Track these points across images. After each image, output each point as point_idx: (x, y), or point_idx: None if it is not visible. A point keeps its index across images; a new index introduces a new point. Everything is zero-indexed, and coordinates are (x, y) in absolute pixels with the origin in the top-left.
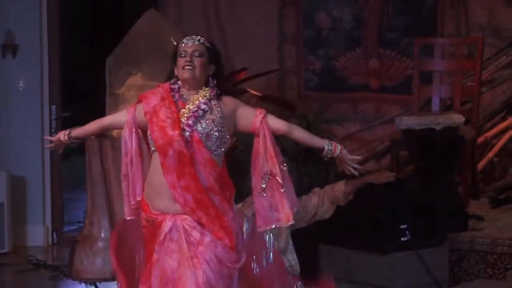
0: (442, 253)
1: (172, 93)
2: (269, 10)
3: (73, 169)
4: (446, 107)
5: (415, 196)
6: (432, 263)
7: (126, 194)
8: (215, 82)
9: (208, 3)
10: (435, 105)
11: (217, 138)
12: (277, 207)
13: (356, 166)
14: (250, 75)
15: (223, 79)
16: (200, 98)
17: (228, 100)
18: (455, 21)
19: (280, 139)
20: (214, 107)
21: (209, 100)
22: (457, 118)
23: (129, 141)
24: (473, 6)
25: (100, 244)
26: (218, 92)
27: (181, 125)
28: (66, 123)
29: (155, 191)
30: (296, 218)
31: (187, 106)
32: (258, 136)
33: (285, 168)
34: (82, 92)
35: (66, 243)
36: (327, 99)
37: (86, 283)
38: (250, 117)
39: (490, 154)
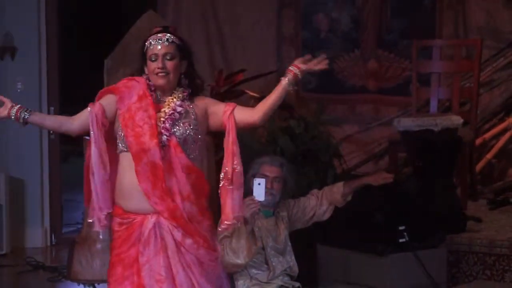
0: (440, 255)
1: (149, 92)
2: (268, 12)
3: (72, 171)
4: (444, 109)
5: (413, 198)
6: (430, 264)
7: (95, 203)
8: (187, 81)
9: (206, 5)
10: (433, 106)
11: (194, 141)
12: (223, 206)
13: (322, 59)
14: (248, 77)
15: (195, 75)
16: (175, 99)
17: (198, 101)
18: (453, 23)
19: (278, 142)
20: (188, 108)
21: (183, 101)
22: (456, 120)
23: (94, 146)
24: (472, 8)
25: (99, 245)
26: (191, 91)
27: (158, 128)
28: None
29: (125, 191)
30: (294, 219)
31: (162, 109)
32: (228, 133)
33: (238, 169)
34: (80, 94)
35: (65, 245)
36: (326, 100)
37: (84, 284)
38: (220, 114)
39: (489, 156)
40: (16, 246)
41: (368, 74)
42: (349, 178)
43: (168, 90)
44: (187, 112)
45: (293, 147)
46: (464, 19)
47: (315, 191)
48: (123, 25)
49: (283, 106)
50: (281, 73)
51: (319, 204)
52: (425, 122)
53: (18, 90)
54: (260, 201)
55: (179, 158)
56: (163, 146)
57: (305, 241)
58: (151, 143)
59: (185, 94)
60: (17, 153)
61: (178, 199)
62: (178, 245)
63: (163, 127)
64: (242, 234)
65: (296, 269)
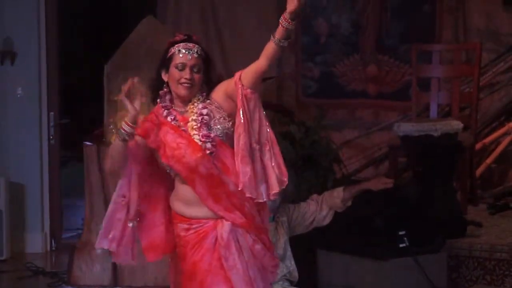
0: (441, 260)
1: (166, 112)
2: (267, 16)
3: (72, 176)
4: (444, 114)
5: (413, 203)
6: (431, 269)
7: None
8: (207, 90)
9: (206, 10)
10: (433, 111)
11: (233, 131)
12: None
13: None
14: None
15: (214, 86)
16: (196, 104)
17: (214, 93)
18: (453, 27)
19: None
20: (211, 106)
21: (204, 102)
22: (455, 124)
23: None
24: (471, 12)
25: (99, 251)
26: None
27: (196, 139)
28: (64, 130)
29: (185, 202)
30: (294, 224)
31: (190, 119)
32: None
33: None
34: (80, 99)
35: (65, 250)
36: (326, 105)
37: None
38: (236, 89)
39: (489, 160)
40: (16, 251)
41: (368, 78)
42: (349, 183)
43: (187, 100)
44: (212, 110)
45: (293, 152)
46: (464, 23)
47: (315, 196)
48: (124, 30)
49: (283, 111)
50: (281, 78)
51: (319, 209)
52: (425, 127)
53: (18, 95)
54: None
55: (228, 152)
56: (211, 153)
57: (305, 246)
58: (197, 156)
59: (203, 95)
60: (17, 158)
61: (238, 199)
62: (250, 249)
63: (202, 135)
64: None
65: (296, 274)
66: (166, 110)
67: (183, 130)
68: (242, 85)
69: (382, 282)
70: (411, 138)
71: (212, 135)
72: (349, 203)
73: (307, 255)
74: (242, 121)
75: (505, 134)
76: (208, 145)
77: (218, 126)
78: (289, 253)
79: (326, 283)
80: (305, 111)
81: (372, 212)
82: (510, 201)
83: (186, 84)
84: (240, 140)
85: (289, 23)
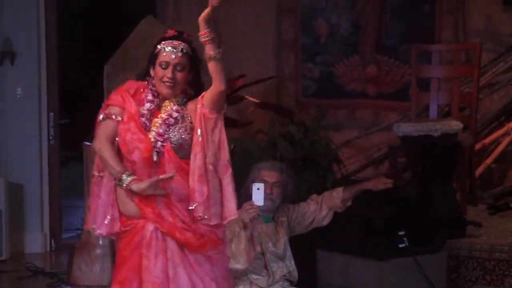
0: (440, 260)
1: (150, 97)
2: (267, 17)
3: (72, 176)
4: (444, 114)
5: (413, 203)
6: (430, 269)
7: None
8: (192, 92)
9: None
10: (433, 111)
11: (190, 145)
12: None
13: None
14: (248, 82)
15: (201, 86)
16: (171, 104)
17: (190, 104)
18: (452, 27)
19: (278, 147)
20: (184, 113)
21: (180, 106)
22: (455, 125)
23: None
24: (471, 12)
25: (98, 251)
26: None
27: (151, 135)
28: (64, 130)
29: (123, 198)
30: (294, 224)
31: (159, 115)
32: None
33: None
34: (80, 100)
35: (64, 250)
36: (325, 105)
37: None
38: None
39: (488, 160)
40: (15, 251)
41: (368, 79)
42: (349, 183)
43: (170, 98)
44: (183, 117)
45: (293, 153)
46: (464, 23)
47: (314, 196)
48: (123, 30)
49: (283, 111)
50: (281, 78)
51: (319, 209)
52: (424, 127)
53: (18, 96)
54: (259, 206)
55: (173, 163)
56: (158, 153)
57: (305, 246)
58: (143, 157)
59: (184, 100)
60: (17, 159)
61: (174, 201)
62: (181, 246)
63: (156, 132)
64: (242, 239)
65: (295, 274)
66: (150, 95)
67: (145, 123)
68: (202, 104)
69: (382, 282)
70: (410, 139)
71: (165, 136)
72: (349, 203)
73: (307, 255)
74: (199, 139)
75: (505, 134)
76: (158, 144)
77: (176, 133)
78: (289, 253)
79: (326, 283)
80: (305, 111)
81: (372, 212)
82: (510, 201)
83: (168, 83)
84: (196, 158)
85: (205, 34)
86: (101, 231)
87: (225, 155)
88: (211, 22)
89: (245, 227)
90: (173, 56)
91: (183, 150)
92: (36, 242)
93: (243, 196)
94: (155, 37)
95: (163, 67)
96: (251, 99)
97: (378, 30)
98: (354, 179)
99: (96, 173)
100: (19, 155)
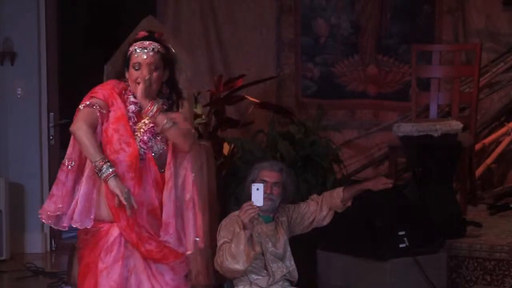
0: (440, 260)
1: (132, 100)
2: (267, 17)
3: None
4: (444, 114)
5: (413, 203)
6: (430, 269)
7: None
8: (168, 90)
9: (206, 10)
10: (433, 111)
11: (164, 158)
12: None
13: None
14: (248, 82)
15: (177, 84)
16: (154, 110)
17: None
18: (452, 27)
19: (278, 147)
20: None
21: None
22: (455, 125)
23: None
24: (471, 12)
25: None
26: (170, 103)
27: (137, 139)
28: (64, 130)
29: (100, 197)
30: (294, 224)
31: (143, 121)
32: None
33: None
34: (80, 100)
35: (65, 250)
36: (325, 105)
37: None
38: None
39: (488, 161)
40: (15, 251)
41: (368, 79)
42: (349, 183)
43: (148, 99)
44: None
45: (293, 153)
46: (464, 24)
47: (314, 196)
48: (123, 30)
49: (283, 111)
50: (281, 78)
51: (319, 209)
52: (424, 127)
53: (18, 96)
54: (258, 207)
55: (152, 172)
56: (141, 160)
57: (305, 246)
58: (130, 160)
59: (164, 105)
60: (17, 159)
61: (144, 211)
62: (142, 259)
63: (141, 139)
64: (241, 239)
65: (295, 274)
66: (132, 97)
67: (132, 127)
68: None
69: (382, 282)
70: (411, 139)
71: (149, 144)
72: (349, 203)
73: (307, 255)
74: (171, 174)
75: (505, 134)
76: (142, 151)
77: (158, 143)
78: (289, 253)
79: (326, 283)
80: (305, 111)
81: (372, 212)
82: (510, 202)
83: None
84: (171, 193)
85: (149, 108)
86: (82, 223)
87: (189, 191)
88: (151, 93)
89: (244, 227)
90: (145, 56)
91: (161, 160)
92: (36, 242)
93: (242, 196)
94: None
95: (136, 68)
96: (251, 99)
97: (378, 30)
98: (354, 179)
99: (66, 162)
100: (19, 155)
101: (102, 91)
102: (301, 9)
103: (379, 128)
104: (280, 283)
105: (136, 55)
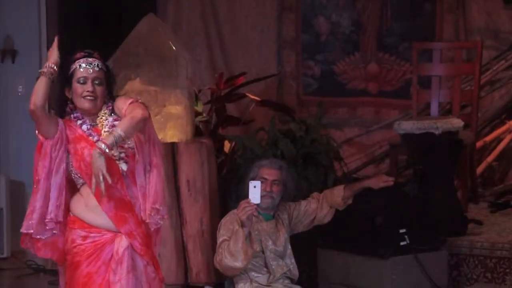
0: (441, 258)
1: (80, 122)
2: (268, 15)
3: None
4: (445, 112)
5: (414, 201)
6: (431, 267)
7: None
8: (111, 101)
9: (207, 8)
10: (434, 109)
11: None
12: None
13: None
14: (248, 80)
15: (114, 98)
16: (105, 117)
17: (117, 110)
18: (453, 25)
19: (279, 145)
20: (119, 119)
21: (113, 115)
22: (456, 123)
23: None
24: (472, 10)
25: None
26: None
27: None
28: None
29: (90, 209)
30: (295, 222)
31: (103, 131)
32: None
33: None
34: None
35: None
36: (326, 103)
37: None
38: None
39: (489, 159)
40: (16, 249)
41: (369, 77)
42: (350, 181)
43: (93, 114)
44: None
45: (294, 150)
46: (465, 22)
47: (315, 194)
48: (124, 28)
49: (284, 109)
50: (281, 76)
51: (320, 207)
52: (425, 125)
53: (19, 93)
54: (256, 204)
55: (136, 169)
56: (126, 163)
57: (306, 244)
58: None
59: (110, 108)
60: (18, 156)
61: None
62: (144, 271)
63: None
64: (240, 237)
65: (296, 272)
66: (79, 120)
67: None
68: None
69: (383, 280)
70: (412, 136)
71: (125, 146)
72: (350, 201)
73: (308, 253)
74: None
75: (506, 132)
76: (123, 154)
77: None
78: (289, 251)
79: (327, 281)
80: (306, 109)
81: (373, 210)
82: (511, 199)
83: (89, 97)
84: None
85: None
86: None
87: (155, 154)
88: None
89: (242, 225)
90: (91, 71)
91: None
92: None
93: (243, 194)
94: (155, 35)
95: (81, 82)
96: (252, 97)
97: (379, 28)
98: (355, 177)
99: (34, 185)
100: (20, 152)
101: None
102: (301, 6)
103: (380, 126)
104: (281, 280)
105: (81, 69)
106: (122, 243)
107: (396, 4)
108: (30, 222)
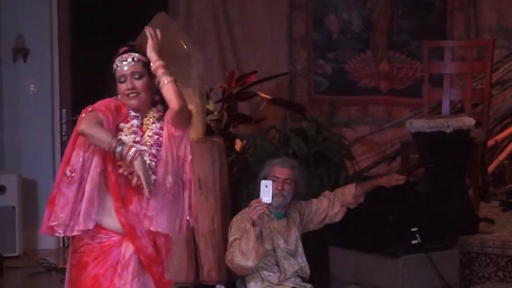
0: (453, 256)
1: (133, 115)
2: (279, 13)
3: None
4: (456, 110)
5: (425, 199)
6: (443, 266)
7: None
8: (159, 97)
9: (218, 7)
10: (445, 108)
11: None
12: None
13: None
14: (260, 78)
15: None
16: (152, 120)
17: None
18: (464, 23)
19: (291, 143)
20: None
21: (160, 122)
22: (468, 121)
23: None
24: (483, 8)
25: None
26: (164, 109)
27: (145, 154)
28: None
29: (106, 210)
30: (306, 221)
31: (146, 134)
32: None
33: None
34: (92, 96)
35: None
36: (337, 102)
37: None
38: None
39: (501, 157)
40: (28, 248)
41: (380, 75)
42: (361, 179)
43: (142, 111)
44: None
45: (305, 149)
46: (476, 19)
47: (327, 192)
48: (135, 26)
49: (295, 108)
50: (293, 74)
51: (331, 205)
52: (437, 124)
53: (31, 92)
54: (266, 204)
55: (167, 181)
56: (153, 173)
57: (317, 242)
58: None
59: (160, 114)
60: (30, 155)
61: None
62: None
63: (150, 153)
64: (251, 236)
65: (307, 270)
66: (133, 112)
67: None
68: (168, 121)
69: (394, 278)
70: (423, 135)
71: (158, 157)
72: (361, 200)
73: (319, 252)
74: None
75: None
76: (153, 164)
77: (164, 153)
78: (300, 249)
79: (338, 280)
80: (317, 107)
81: (384, 208)
82: None
83: (131, 94)
84: (167, 176)
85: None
86: (85, 225)
87: (186, 171)
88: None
89: (254, 224)
90: (126, 68)
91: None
92: (49, 238)
93: (254, 192)
94: (166, 33)
95: (122, 81)
96: (263, 95)
97: (389, 26)
98: (366, 176)
99: (68, 173)
100: (32, 151)
101: (102, 104)
102: (312, 5)
103: (391, 125)
104: (292, 279)
105: (119, 69)
106: (129, 246)
107: (406, 2)
108: (61, 215)
